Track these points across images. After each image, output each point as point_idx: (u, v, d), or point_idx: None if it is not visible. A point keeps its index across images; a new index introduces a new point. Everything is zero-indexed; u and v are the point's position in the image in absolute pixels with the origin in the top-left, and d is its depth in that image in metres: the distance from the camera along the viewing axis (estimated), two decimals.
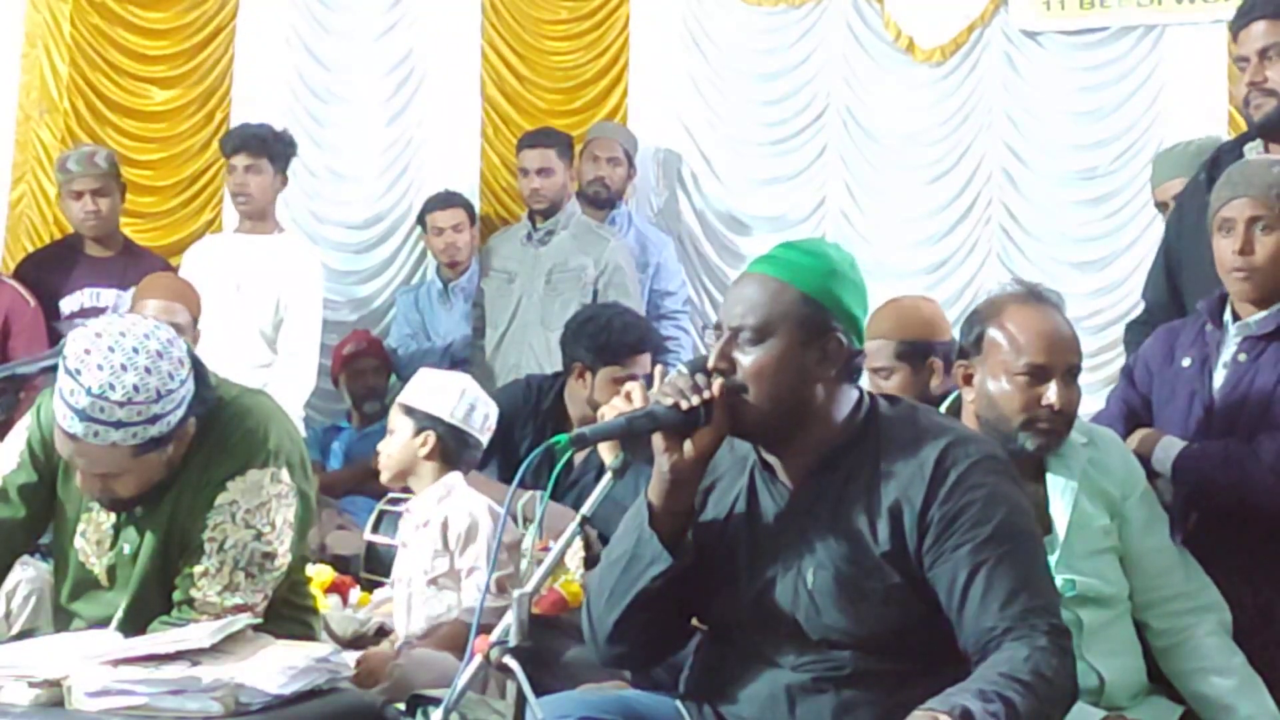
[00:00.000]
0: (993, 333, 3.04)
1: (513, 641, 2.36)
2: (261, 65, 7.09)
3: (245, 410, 3.12)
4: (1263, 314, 3.32)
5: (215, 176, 6.82)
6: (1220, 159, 3.87)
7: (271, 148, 5.82)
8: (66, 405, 2.88)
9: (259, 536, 3.06)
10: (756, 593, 2.58)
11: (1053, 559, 2.99)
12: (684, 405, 2.51)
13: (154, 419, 2.90)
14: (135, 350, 2.88)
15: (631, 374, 4.87)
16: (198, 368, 3.01)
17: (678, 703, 2.70)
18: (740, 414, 2.54)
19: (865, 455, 2.57)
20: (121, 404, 2.86)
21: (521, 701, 2.36)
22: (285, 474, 3.10)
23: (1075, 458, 3.07)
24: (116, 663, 2.73)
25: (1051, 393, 2.99)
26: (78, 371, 2.86)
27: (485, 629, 2.42)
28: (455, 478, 4.03)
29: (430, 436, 3.99)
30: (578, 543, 4.18)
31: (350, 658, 2.98)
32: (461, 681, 2.40)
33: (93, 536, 3.13)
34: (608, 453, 2.73)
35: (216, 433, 3.07)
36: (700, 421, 2.52)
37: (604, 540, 3.25)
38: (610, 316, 5.03)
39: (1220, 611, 3.13)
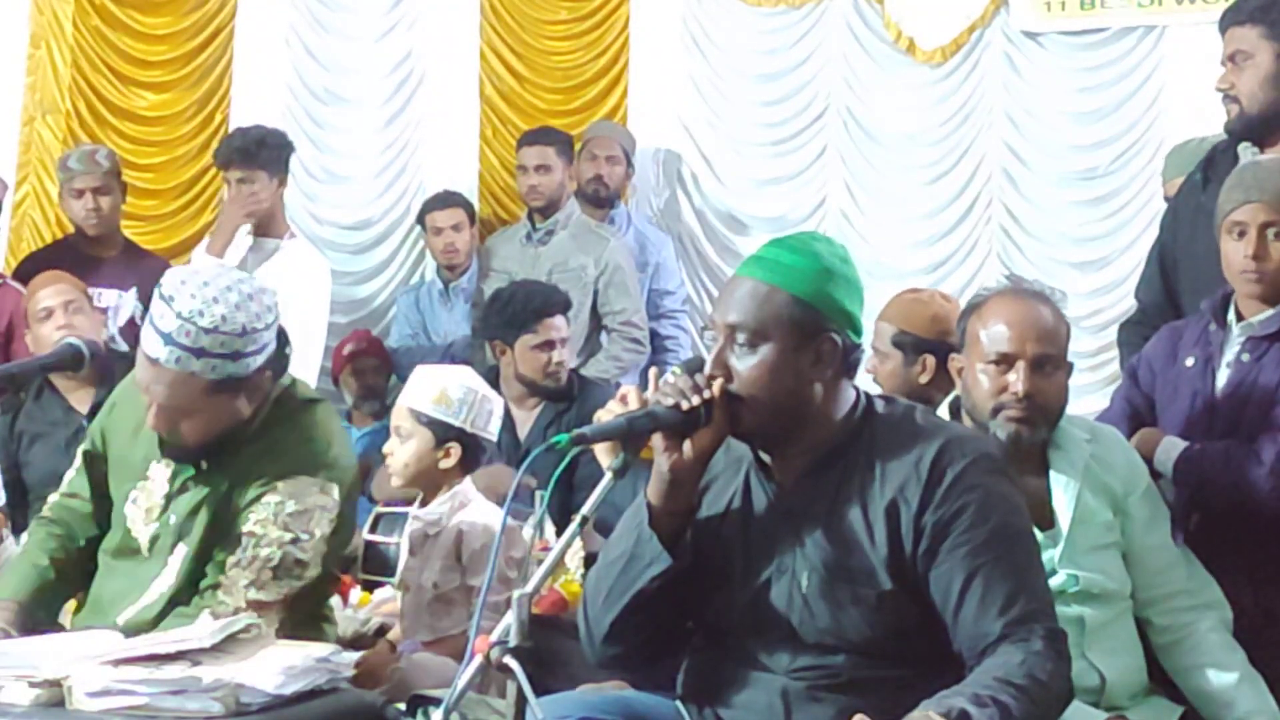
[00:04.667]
0: (974, 325, 3.10)
1: (513, 641, 2.36)
2: (260, 67, 7.10)
3: (315, 420, 3.19)
4: (1267, 314, 3.32)
5: (215, 179, 6.81)
6: (1215, 158, 3.87)
7: (261, 156, 5.72)
8: (154, 329, 2.97)
9: (295, 542, 3.09)
10: (752, 595, 2.58)
11: (1055, 554, 3.01)
12: (684, 406, 2.52)
13: (235, 355, 2.98)
14: (228, 289, 2.99)
15: (547, 339, 4.93)
16: (280, 331, 3.09)
17: (678, 703, 2.70)
18: (739, 416, 2.54)
19: (860, 455, 2.57)
20: (208, 330, 2.94)
21: (521, 701, 2.36)
22: (335, 491, 3.14)
23: (1078, 453, 3.09)
24: (117, 663, 2.73)
25: (1013, 378, 3.02)
26: (171, 298, 2.96)
27: (485, 630, 2.42)
28: (468, 486, 3.97)
29: (455, 449, 3.89)
30: (577, 543, 4.17)
31: (350, 658, 2.97)
32: (461, 681, 2.40)
33: (143, 504, 3.17)
34: (606, 454, 2.73)
35: (283, 429, 3.14)
36: (701, 422, 2.53)
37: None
38: (514, 291, 5.19)
39: (1221, 609, 3.14)
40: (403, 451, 3.94)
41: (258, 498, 3.08)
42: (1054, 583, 2.98)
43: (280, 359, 3.10)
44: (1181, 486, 3.21)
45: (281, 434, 3.13)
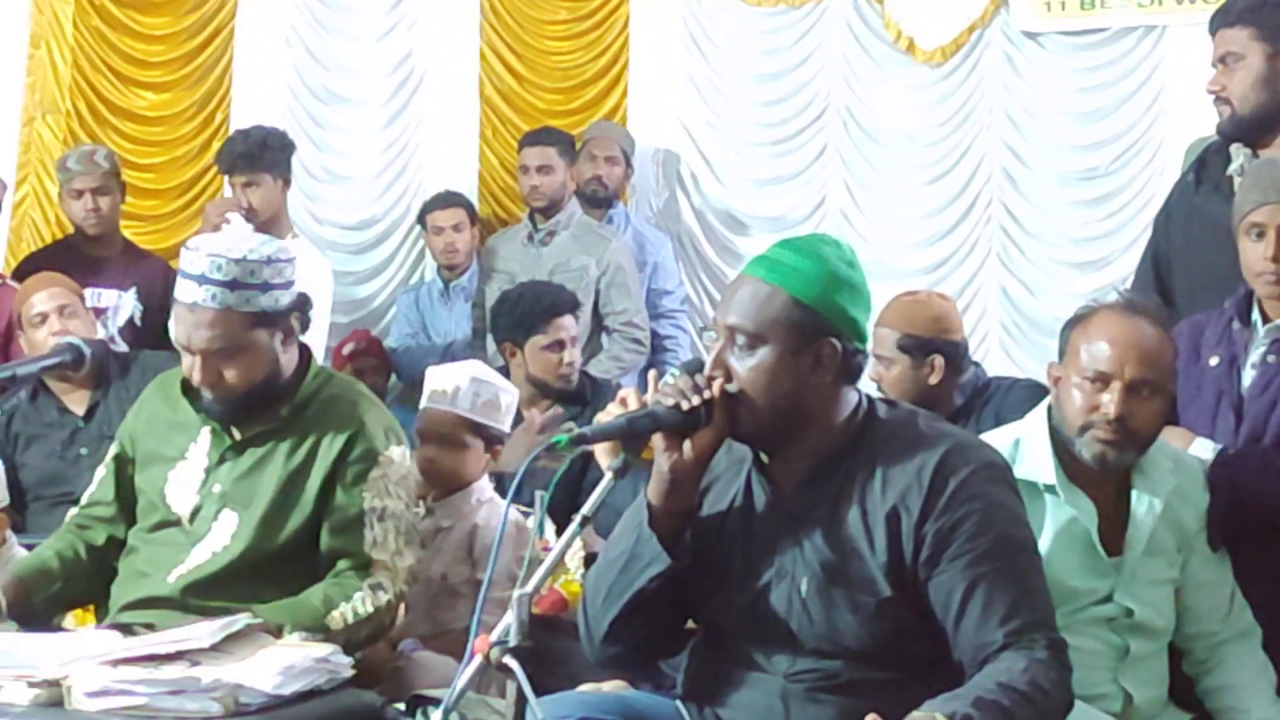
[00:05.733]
0: (1076, 337, 3.01)
1: (513, 641, 2.36)
2: (260, 67, 7.10)
3: (367, 394, 3.36)
4: None
5: (215, 179, 6.82)
6: (1207, 160, 3.85)
7: (264, 159, 5.73)
8: (185, 276, 3.14)
9: (408, 507, 3.28)
10: (751, 598, 2.58)
11: (1115, 581, 2.98)
12: (685, 406, 2.52)
13: (265, 286, 3.15)
14: (248, 235, 3.32)
15: (558, 339, 4.93)
16: (304, 295, 3.30)
17: (678, 703, 2.70)
18: (739, 417, 2.54)
19: (861, 460, 2.56)
20: (237, 260, 3.12)
21: (521, 701, 2.36)
22: (411, 456, 3.36)
23: (1163, 483, 3.02)
24: (116, 663, 2.73)
25: (1107, 399, 2.93)
26: (197, 247, 3.15)
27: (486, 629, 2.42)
28: (486, 483, 3.99)
29: (497, 449, 3.97)
30: (577, 543, 4.16)
31: (349, 658, 2.97)
32: (461, 681, 2.40)
33: (183, 481, 3.26)
34: (605, 454, 2.72)
35: (343, 401, 3.28)
36: (701, 422, 2.53)
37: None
38: (521, 292, 5.18)
39: (1256, 630, 3.12)
40: (457, 460, 3.95)
41: (363, 474, 3.22)
42: (1106, 610, 2.98)
43: (305, 308, 3.25)
44: (1217, 491, 3.17)
45: (345, 405, 3.27)
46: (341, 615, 3.13)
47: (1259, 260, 3.28)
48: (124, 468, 3.36)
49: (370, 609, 3.16)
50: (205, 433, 3.27)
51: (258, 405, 3.23)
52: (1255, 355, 3.32)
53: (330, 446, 3.22)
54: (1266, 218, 3.27)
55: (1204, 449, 3.23)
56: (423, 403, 3.99)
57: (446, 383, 3.96)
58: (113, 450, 3.40)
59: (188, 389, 3.29)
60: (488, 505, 3.93)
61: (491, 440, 3.96)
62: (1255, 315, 3.34)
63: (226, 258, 3.12)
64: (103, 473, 3.40)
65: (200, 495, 3.24)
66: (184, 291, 3.16)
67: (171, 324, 3.22)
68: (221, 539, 3.20)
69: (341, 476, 3.21)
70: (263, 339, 3.18)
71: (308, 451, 3.23)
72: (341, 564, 3.20)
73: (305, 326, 3.28)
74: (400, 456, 3.29)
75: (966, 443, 2.60)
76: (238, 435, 3.25)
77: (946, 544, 2.49)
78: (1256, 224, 3.29)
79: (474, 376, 3.98)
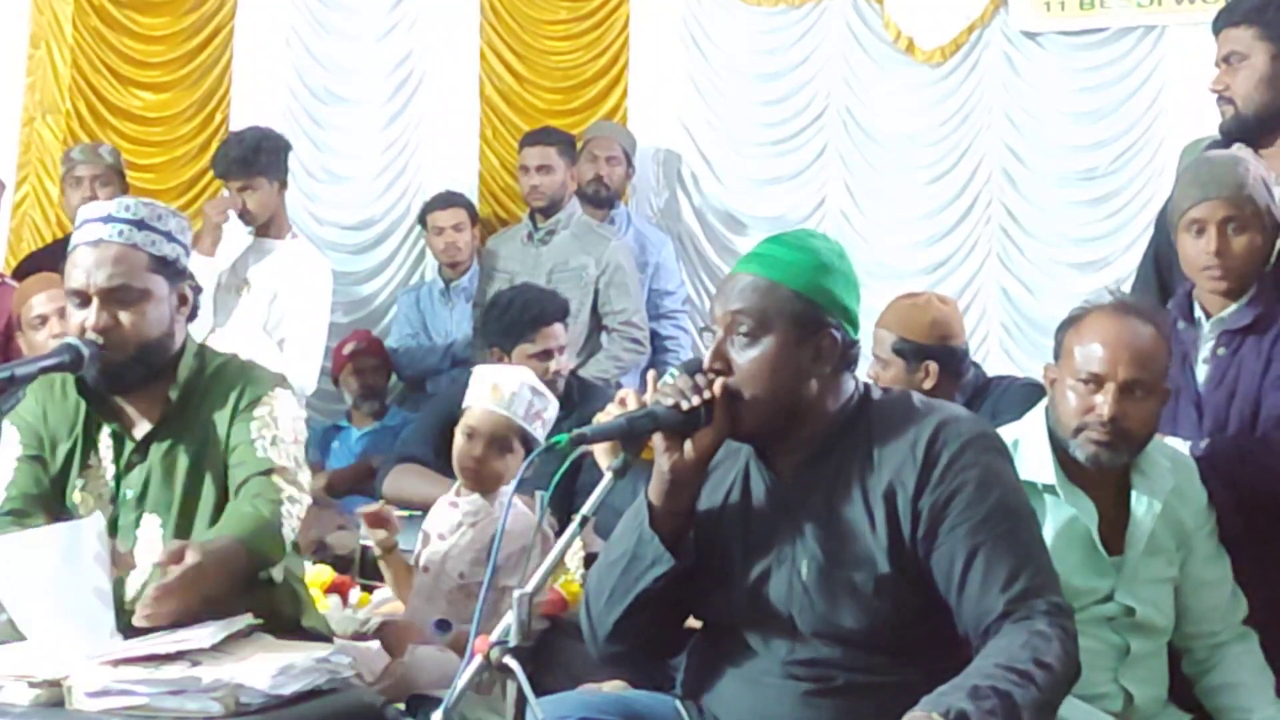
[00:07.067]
0: (1070, 339, 3.01)
1: (513, 641, 2.36)
2: (260, 67, 7.11)
3: (262, 364, 3.29)
4: (1233, 308, 3.33)
5: (215, 179, 6.81)
6: None
7: (259, 163, 5.71)
8: (87, 222, 3.12)
9: (296, 440, 3.18)
10: (752, 586, 2.58)
11: (1116, 580, 2.98)
12: (685, 406, 2.51)
13: (169, 236, 3.14)
14: None
15: (546, 348, 4.93)
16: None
17: (677, 702, 2.70)
18: (739, 415, 2.54)
19: (858, 442, 2.56)
20: (145, 204, 3.16)
21: (521, 701, 2.36)
22: (302, 408, 3.29)
23: (1161, 481, 3.03)
24: (117, 663, 2.73)
25: (1100, 400, 2.93)
26: (100, 205, 3.17)
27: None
28: (510, 488, 4.00)
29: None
30: (577, 543, 4.16)
31: (347, 659, 2.96)
32: (461, 682, 2.40)
33: (94, 492, 3.17)
34: (604, 454, 2.72)
35: (225, 367, 3.21)
36: (701, 422, 2.52)
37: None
38: (512, 297, 5.16)
39: (1254, 631, 3.13)
40: (505, 462, 3.95)
41: (250, 408, 3.13)
42: (1107, 609, 2.98)
43: (197, 291, 3.22)
44: (1208, 483, 3.16)
45: (232, 374, 3.19)
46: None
47: (1201, 255, 3.31)
48: (41, 465, 3.20)
49: (296, 522, 3.09)
50: (105, 437, 3.18)
51: (145, 374, 3.13)
52: (1205, 351, 3.35)
53: (223, 416, 3.14)
54: (1206, 213, 3.31)
55: (1175, 446, 3.23)
56: (470, 399, 3.96)
57: (504, 386, 3.94)
58: (23, 449, 3.20)
59: (84, 391, 3.18)
60: (511, 511, 3.93)
61: (531, 450, 3.95)
62: (1198, 312, 3.37)
63: (134, 201, 3.15)
64: (12, 474, 3.18)
65: (116, 505, 3.16)
66: (85, 234, 3.11)
67: (67, 275, 3.13)
68: (153, 548, 3.10)
69: (233, 425, 3.13)
70: (161, 289, 3.12)
71: (207, 436, 3.14)
72: (251, 485, 3.08)
73: (194, 314, 3.22)
74: (288, 399, 3.19)
75: (958, 416, 2.60)
76: (138, 435, 3.16)
77: (943, 516, 2.49)
78: (1196, 220, 3.32)
79: (531, 385, 3.96)
